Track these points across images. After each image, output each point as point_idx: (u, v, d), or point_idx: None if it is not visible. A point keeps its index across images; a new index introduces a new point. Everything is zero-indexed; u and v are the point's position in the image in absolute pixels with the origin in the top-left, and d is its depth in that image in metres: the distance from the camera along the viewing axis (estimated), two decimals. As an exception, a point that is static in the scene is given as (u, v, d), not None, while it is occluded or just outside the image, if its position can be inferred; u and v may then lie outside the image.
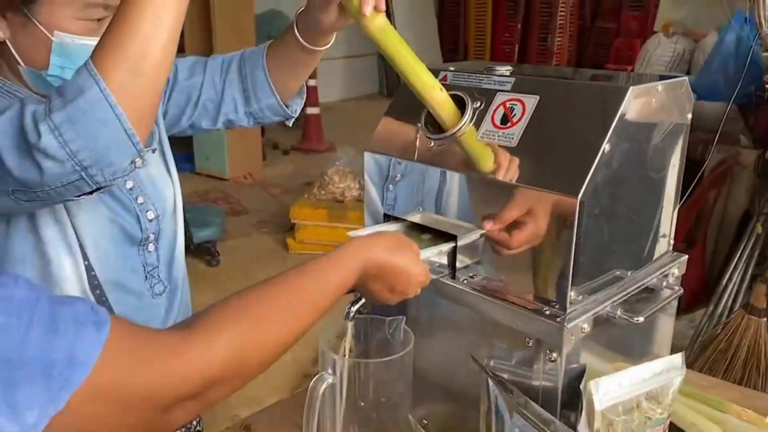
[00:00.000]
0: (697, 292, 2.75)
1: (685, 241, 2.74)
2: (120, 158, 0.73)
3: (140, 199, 1.01)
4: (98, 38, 0.78)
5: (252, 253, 3.79)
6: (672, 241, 0.98)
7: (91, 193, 0.77)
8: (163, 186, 1.06)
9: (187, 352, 0.57)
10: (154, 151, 1.07)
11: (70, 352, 0.48)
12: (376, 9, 0.83)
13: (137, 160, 0.75)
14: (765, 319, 2.14)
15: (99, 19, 0.88)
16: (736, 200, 2.70)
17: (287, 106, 1.14)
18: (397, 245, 0.78)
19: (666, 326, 1.01)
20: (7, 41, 0.87)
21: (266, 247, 3.86)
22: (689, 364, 1.50)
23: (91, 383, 0.49)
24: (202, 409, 0.61)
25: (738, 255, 2.38)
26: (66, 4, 0.85)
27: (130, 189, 1.00)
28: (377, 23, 0.83)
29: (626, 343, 0.94)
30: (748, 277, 2.36)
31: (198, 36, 4.78)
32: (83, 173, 0.72)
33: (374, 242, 0.77)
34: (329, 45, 1.06)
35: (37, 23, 0.85)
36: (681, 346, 2.45)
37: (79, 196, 0.77)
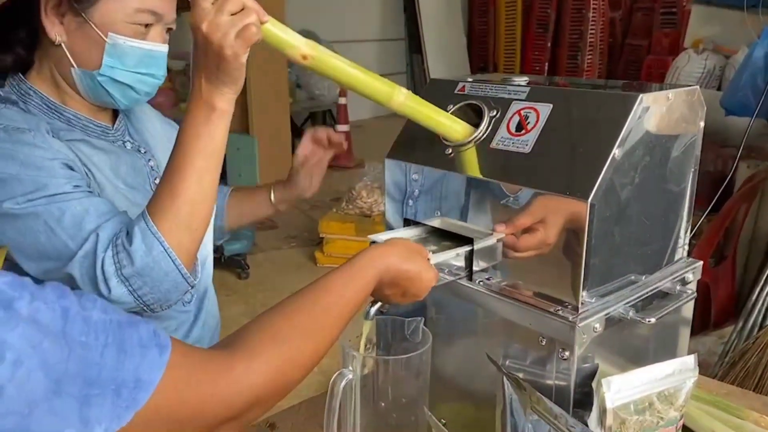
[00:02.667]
0: (727, 309, 2.71)
1: (714, 256, 2.71)
2: (177, 295, 0.89)
3: None
4: (147, 42, 0.87)
5: (281, 266, 3.85)
6: (687, 247, 0.99)
7: None
8: None
9: (231, 374, 0.60)
10: None
11: (136, 374, 0.52)
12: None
13: (191, 288, 0.90)
14: (796, 334, 2.10)
15: (146, 25, 0.95)
16: (767, 216, 2.67)
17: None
18: (408, 252, 0.82)
19: (682, 333, 1.02)
20: (63, 44, 0.95)
21: (295, 261, 3.92)
22: (718, 380, 1.49)
23: (153, 403, 0.52)
24: (241, 428, 0.64)
25: (768, 271, 2.35)
26: (119, 9, 0.93)
27: None
28: (308, 52, 0.82)
29: (641, 350, 0.96)
30: (778, 293, 2.32)
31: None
32: (145, 307, 0.87)
33: (388, 252, 0.80)
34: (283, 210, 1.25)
35: (93, 25, 0.92)
36: (710, 363, 2.42)
37: None
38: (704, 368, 2.15)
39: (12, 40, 0.97)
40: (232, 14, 0.76)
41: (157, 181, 1.05)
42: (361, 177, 3.93)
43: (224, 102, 0.82)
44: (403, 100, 0.89)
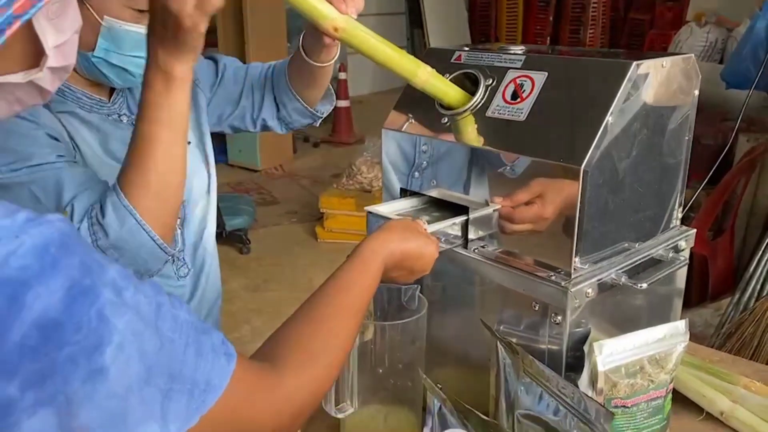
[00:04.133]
0: (725, 281, 2.73)
1: (712, 229, 2.73)
2: (157, 264, 0.89)
3: None
4: (142, 26, 0.87)
5: (282, 241, 3.87)
6: (680, 215, 1.00)
7: None
8: (193, 174, 1.12)
9: (282, 390, 0.61)
10: (189, 143, 1.14)
11: (208, 377, 0.53)
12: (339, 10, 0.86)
13: (170, 258, 0.89)
14: (791, 306, 2.12)
15: (141, 11, 0.95)
16: (766, 189, 2.67)
17: (316, 109, 1.23)
18: (405, 232, 0.82)
19: (675, 301, 1.04)
20: None
21: (296, 236, 3.94)
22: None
23: (215, 410, 0.53)
24: None
25: (766, 243, 2.36)
26: None
27: None
28: (340, 25, 0.85)
29: (634, 317, 0.97)
30: (775, 265, 2.34)
31: (231, 28, 4.88)
32: None
33: (388, 237, 0.81)
34: (334, 59, 1.13)
35: (90, 8, 0.92)
36: (707, 335, 2.44)
37: None
38: (701, 340, 2.17)
39: None
40: None
41: None
42: (362, 152, 3.93)
43: (183, 70, 0.81)
44: (426, 77, 0.92)
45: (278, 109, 1.23)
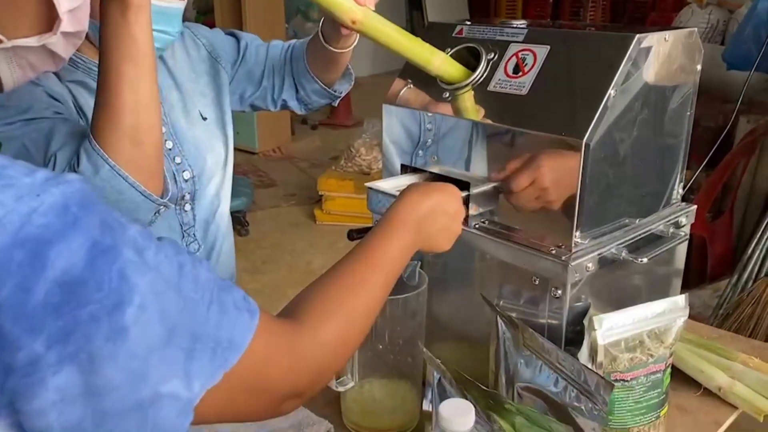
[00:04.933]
0: (724, 263, 2.74)
1: (711, 211, 2.73)
2: (145, 214, 0.84)
3: (177, 159, 1.08)
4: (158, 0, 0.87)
5: (280, 223, 3.87)
6: (681, 191, 1.00)
7: None
8: (206, 149, 1.12)
9: (299, 346, 0.60)
10: (205, 119, 1.14)
11: (231, 334, 0.52)
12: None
13: (161, 208, 0.85)
14: (788, 287, 2.13)
15: None
16: (766, 171, 2.67)
17: (335, 89, 1.23)
18: (423, 187, 0.81)
19: (674, 278, 1.04)
20: None
21: (294, 218, 3.94)
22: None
23: (238, 367, 0.53)
24: (306, 400, 0.64)
25: (765, 224, 2.36)
26: None
27: (170, 149, 1.07)
28: (358, 17, 0.87)
29: (634, 293, 0.97)
30: (774, 246, 2.34)
31: (229, 10, 4.84)
32: None
33: (410, 199, 0.78)
34: (353, 45, 1.13)
35: None
36: (705, 316, 2.45)
37: None
38: (699, 321, 2.18)
39: None
40: None
41: (163, 130, 1.05)
42: (360, 135, 3.91)
43: None
44: (440, 63, 0.93)
45: (297, 90, 1.23)
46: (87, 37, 0.97)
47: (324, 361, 0.62)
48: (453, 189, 0.82)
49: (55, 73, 0.93)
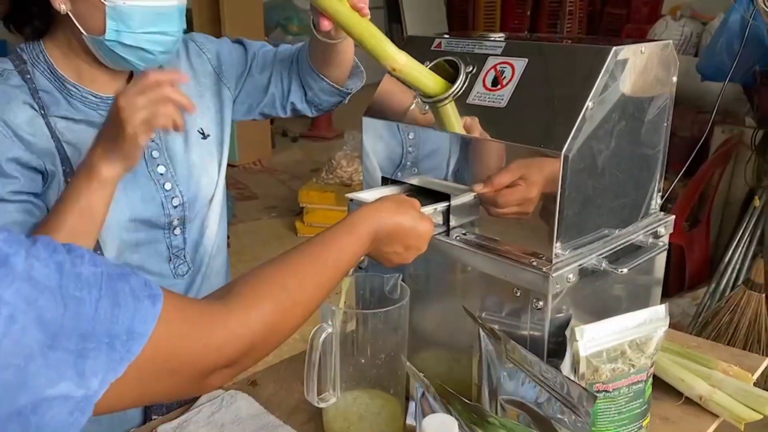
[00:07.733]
0: (701, 271, 2.77)
1: (688, 220, 2.76)
2: None
3: (168, 186, 1.06)
4: (145, 0, 0.90)
5: (262, 236, 3.85)
6: (659, 201, 1.01)
7: None
8: (200, 174, 1.11)
9: (227, 322, 0.60)
10: (207, 136, 1.13)
11: (130, 325, 0.51)
12: None
13: None
14: (765, 294, 2.16)
15: None
16: (741, 180, 2.71)
17: (345, 86, 1.21)
18: (398, 206, 0.82)
19: (654, 287, 1.04)
20: (69, 13, 0.93)
21: (275, 231, 3.92)
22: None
23: (146, 354, 0.52)
24: (235, 375, 0.65)
25: (741, 232, 2.40)
26: None
27: (162, 174, 1.05)
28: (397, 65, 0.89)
29: (615, 303, 0.98)
30: (750, 254, 2.38)
31: (208, 24, 4.83)
32: None
33: (380, 207, 0.80)
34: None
35: None
36: (685, 324, 2.48)
37: None
38: (679, 329, 2.20)
39: (27, 14, 0.98)
40: (151, 100, 0.82)
41: (155, 155, 1.04)
42: (341, 147, 3.91)
43: (110, 171, 0.85)
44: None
45: (305, 93, 1.22)
46: (96, 58, 0.97)
47: (254, 339, 0.63)
48: (427, 226, 0.83)
49: (39, 107, 0.94)
